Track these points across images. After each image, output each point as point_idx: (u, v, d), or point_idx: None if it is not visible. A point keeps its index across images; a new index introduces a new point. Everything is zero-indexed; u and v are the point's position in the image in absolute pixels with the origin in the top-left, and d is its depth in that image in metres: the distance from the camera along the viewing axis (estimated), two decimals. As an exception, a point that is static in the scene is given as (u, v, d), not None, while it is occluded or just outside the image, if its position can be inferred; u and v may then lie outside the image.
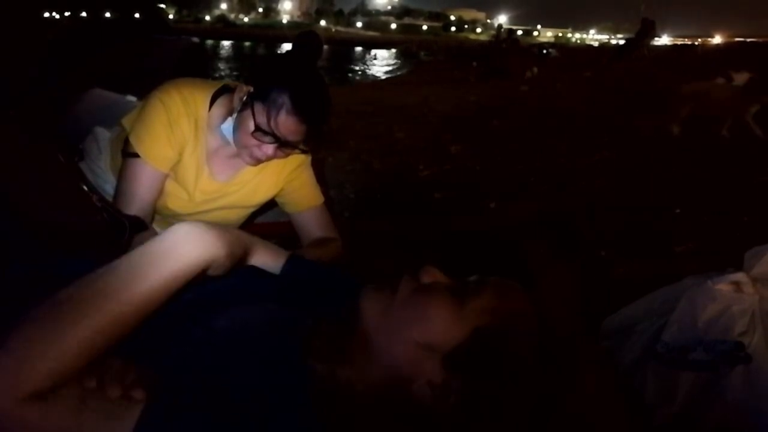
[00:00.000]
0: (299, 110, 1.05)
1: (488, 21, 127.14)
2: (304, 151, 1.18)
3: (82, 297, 0.55)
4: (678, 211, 2.62)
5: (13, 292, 0.66)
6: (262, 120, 1.06)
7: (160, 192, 1.18)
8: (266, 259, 0.79)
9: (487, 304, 0.61)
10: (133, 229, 0.99)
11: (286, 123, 1.06)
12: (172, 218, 1.27)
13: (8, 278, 0.69)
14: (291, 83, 1.05)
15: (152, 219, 1.19)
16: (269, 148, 1.10)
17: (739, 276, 1.14)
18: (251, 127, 1.07)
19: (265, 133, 1.07)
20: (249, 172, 1.24)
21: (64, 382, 0.51)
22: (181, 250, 0.62)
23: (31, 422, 0.49)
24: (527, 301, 0.64)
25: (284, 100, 1.04)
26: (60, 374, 0.51)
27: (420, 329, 0.60)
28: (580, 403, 0.55)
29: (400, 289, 0.64)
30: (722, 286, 1.13)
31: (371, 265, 1.21)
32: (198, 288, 0.67)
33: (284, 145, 1.10)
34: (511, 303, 0.62)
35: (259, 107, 1.06)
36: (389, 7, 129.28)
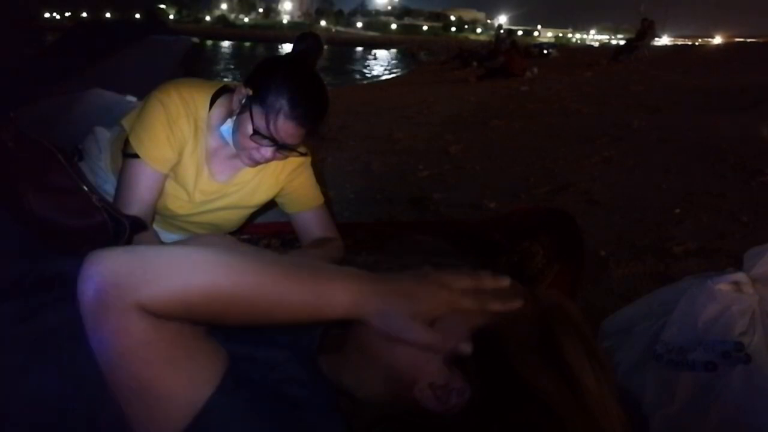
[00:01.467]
0: (297, 114, 1.05)
1: (488, 21, 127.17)
2: (302, 154, 1.18)
3: (255, 261, 0.53)
4: (678, 211, 2.62)
5: (13, 291, 0.66)
6: (260, 124, 1.06)
7: (161, 192, 1.18)
8: None
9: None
10: (133, 229, 0.99)
11: (285, 127, 1.06)
12: (172, 219, 1.27)
13: (8, 278, 0.69)
14: (289, 87, 1.05)
15: (153, 219, 1.19)
16: (267, 151, 1.10)
17: (739, 276, 1.14)
18: (249, 130, 1.07)
19: (264, 136, 1.07)
20: (249, 173, 1.24)
21: (177, 316, 0.50)
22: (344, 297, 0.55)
23: (136, 332, 0.48)
24: (527, 299, 0.63)
25: (282, 104, 1.04)
26: (181, 307, 0.49)
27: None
28: (580, 402, 0.55)
29: None
30: (722, 286, 1.13)
31: (371, 265, 1.21)
32: None
33: (282, 148, 1.11)
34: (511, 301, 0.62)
35: (257, 111, 1.06)
36: (389, 8, 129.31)
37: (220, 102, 1.18)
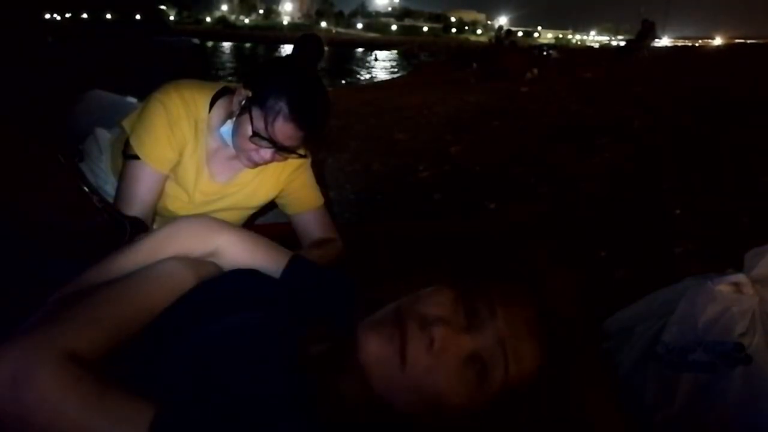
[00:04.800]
0: (296, 117, 1.05)
1: (489, 22, 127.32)
2: (301, 156, 1.18)
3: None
4: (678, 211, 2.62)
5: (14, 292, 0.66)
6: (259, 125, 1.06)
7: (161, 193, 1.18)
8: (267, 261, 0.79)
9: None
10: (134, 230, 0.99)
11: (283, 129, 1.06)
12: (172, 219, 1.27)
13: (8, 278, 0.70)
14: (289, 89, 1.05)
15: (153, 220, 1.19)
16: (267, 153, 1.10)
17: (739, 277, 1.14)
18: (249, 131, 1.07)
19: (262, 138, 1.07)
20: (249, 174, 1.24)
21: (93, 354, 0.54)
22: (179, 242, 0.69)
23: (65, 385, 0.49)
24: (528, 301, 0.63)
25: (281, 106, 1.04)
26: (90, 342, 0.55)
27: (440, 407, 0.57)
28: (581, 406, 0.55)
29: (408, 358, 0.57)
30: (722, 287, 1.13)
31: (371, 266, 1.21)
32: (196, 291, 0.67)
33: (282, 150, 1.11)
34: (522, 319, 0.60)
35: (256, 112, 1.06)
36: (389, 9, 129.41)
37: (221, 103, 1.18)
